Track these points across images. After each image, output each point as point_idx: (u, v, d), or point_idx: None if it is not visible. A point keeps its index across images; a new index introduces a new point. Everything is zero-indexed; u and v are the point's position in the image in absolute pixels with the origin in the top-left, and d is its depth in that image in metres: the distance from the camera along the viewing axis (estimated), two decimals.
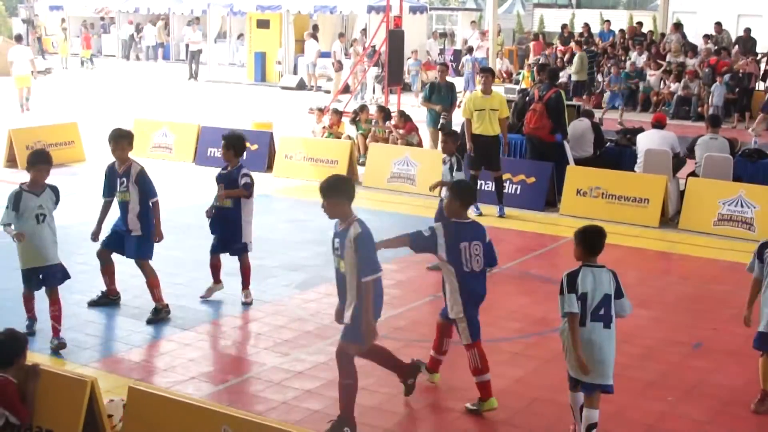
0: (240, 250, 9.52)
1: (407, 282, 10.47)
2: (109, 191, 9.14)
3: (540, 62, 24.62)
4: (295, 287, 10.08)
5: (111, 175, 9.11)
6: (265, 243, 11.69)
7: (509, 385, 7.60)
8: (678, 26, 29.16)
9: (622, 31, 30.57)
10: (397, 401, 7.23)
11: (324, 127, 18.02)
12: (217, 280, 9.65)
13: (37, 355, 7.62)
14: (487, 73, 13.75)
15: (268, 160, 16.75)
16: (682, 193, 13.70)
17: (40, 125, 17.95)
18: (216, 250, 9.57)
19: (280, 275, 10.47)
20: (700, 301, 10.21)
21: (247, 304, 9.44)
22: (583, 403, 6.49)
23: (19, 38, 31.70)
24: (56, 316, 8.17)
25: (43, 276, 8.22)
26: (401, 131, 16.97)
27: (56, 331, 8.17)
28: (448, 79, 17.58)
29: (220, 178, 9.60)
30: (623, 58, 28.30)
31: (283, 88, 31.91)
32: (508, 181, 14.30)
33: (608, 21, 32.29)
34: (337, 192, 6.60)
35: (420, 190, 14.59)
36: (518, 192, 14.26)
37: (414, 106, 24.71)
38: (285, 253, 11.30)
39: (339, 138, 17.39)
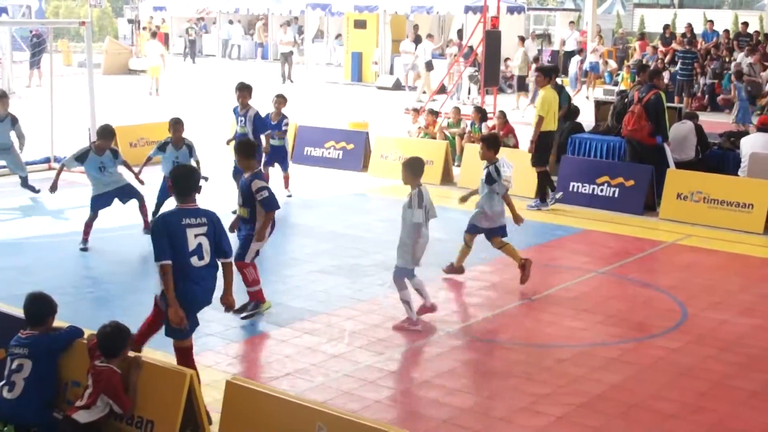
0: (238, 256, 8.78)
1: (501, 284, 10.40)
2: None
3: (641, 63, 24.13)
4: (389, 286, 10.10)
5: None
6: (361, 242, 11.78)
7: (605, 390, 7.47)
8: None
9: (726, 31, 29.77)
10: (490, 403, 7.18)
11: (420, 128, 18.03)
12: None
13: None
14: (537, 72, 14.25)
15: (363, 159, 16.85)
16: None
17: (143, 123, 18.39)
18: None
19: (375, 274, 10.51)
20: None
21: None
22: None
23: (153, 35, 33.28)
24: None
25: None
26: (501, 133, 16.81)
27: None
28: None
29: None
30: (727, 59, 27.55)
31: (379, 88, 32.04)
32: (605, 184, 14.08)
33: (711, 21, 31.51)
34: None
35: (515, 191, 14.41)
36: (616, 195, 14.01)
37: (515, 109, 24.56)
38: (380, 252, 11.34)
39: (434, 138, 17.38)
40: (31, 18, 34.11)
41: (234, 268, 7.18)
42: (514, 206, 10.30)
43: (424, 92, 28.59)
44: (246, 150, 8.96)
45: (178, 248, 6.53)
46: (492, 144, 10.38)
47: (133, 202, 11.72)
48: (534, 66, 25.20)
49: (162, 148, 11.95)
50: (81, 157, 11.23)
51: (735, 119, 22.05)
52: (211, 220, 6.75)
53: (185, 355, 6.76)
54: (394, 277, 8.84)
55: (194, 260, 6.60)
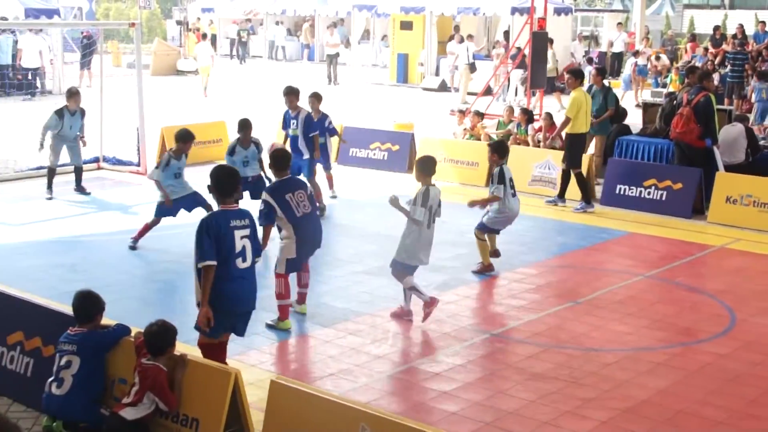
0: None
1: (547, 286, 10.35)
2: None
3: (690, 65, 23.85)
4: (434, 288, 10.09)
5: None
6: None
7: (651, 395, 7.39)
8: None
9: None
10: (535, 407, 7.14)
11: (465, 129, 17.98)
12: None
13: None
14: (569, 73, 14.60)
15: (409, 160, 16.84)
16: None
17: (190, 123, 18.52)
18: None
19: (419, 276, 10.47)
20: None
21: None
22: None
23: (204, 36, 33.98)
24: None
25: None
26: (548, 135, 16.70)
27: None
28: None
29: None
30: None
31: (425, 89, 32.03)
32: (653, 187, 13.94)
33: (763, 22, 31.00)
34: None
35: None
36: (664, 198, 13.85)
37: (560, 110, 24.39)
38: None
39: (480, 140, 17.32)
40: (82, 20, 34.65)
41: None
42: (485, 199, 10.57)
43: (456, 90, 28.63)
44: (281, 161, 8.88)
45: (225, 250, 6.58)
46: (494, 149, 10.68)
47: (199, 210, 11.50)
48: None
49: (231, 152, 12.00)
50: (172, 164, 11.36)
51: (755, 120, 21.75)
52: (252, 221, 6.83)
53: (208, 352, 6.81)
54: (391, 269, 9.06)
55: (239, 262, 6.67)
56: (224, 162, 11.38)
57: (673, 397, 7.39)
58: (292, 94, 13.33)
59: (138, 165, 16.09)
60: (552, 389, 7.48)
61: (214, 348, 6.86)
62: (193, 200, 11.51)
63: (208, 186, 6.90)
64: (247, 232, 6.71)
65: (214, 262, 6.52)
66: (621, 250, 12.00)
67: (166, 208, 11.34)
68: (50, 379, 6.46)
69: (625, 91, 27.19)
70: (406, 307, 9.03)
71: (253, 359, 7.95)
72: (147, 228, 11.36)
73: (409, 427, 5.34)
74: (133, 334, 6.58)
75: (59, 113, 14.08)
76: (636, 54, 29.32)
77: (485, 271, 10.61)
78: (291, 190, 8.64)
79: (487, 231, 10.65)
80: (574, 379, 7.69)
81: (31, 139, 18.13)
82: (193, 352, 6.98)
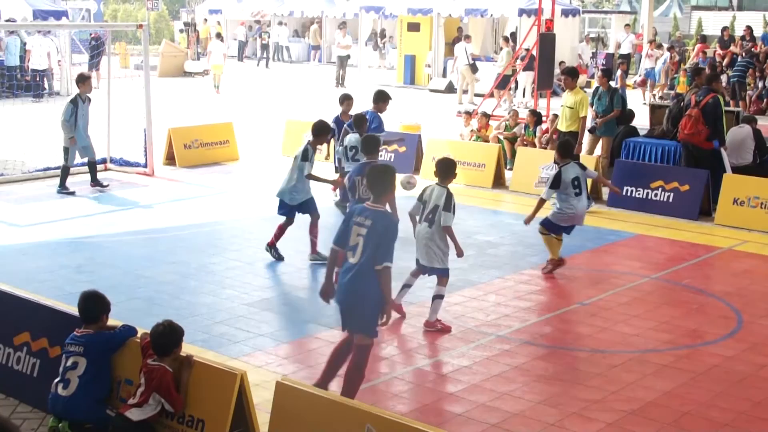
0: None
1: (553, 288, 10.34)
2: None
3: (696, 66, 23.81)
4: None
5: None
6: (411, 245, 11.74)
7: (657, 397, 7.38)
8: None
9: None
10: (541, 408, 7.13)
11: (472, 131, 17.98)
12: None
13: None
14: (564, 73, 15.12)
15: (416, 162, 16.84)
16: None
17: (197, 125, 18.60)
18: None
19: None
20: None
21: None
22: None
23: (218, 35, 34.25)
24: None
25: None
26: (554, 137, 16.70)
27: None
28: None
29: None
30: None
31: (432, 90, 32.02)
32: (660, 189, 13.91)
33: None
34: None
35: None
36: (671, 200, 13.82)
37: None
38: None
39: (487, 141, 17.32)
40: (90, 21, 34.74)
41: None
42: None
43: (464, 92, 28.63)
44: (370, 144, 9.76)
45: (345, 240, 6.83)
46: (559, 148, 10.84)
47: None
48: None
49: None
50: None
51: None
52: (374, 226, 6.72)
53: (368, 352, 6.98)
54: None
55: (349, 255, 6.80)
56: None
57: (679, 399, 7.38)
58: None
59: (145, 166, 16.12)
60: (558, 391, 7.47)
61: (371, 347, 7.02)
62: (305, 206, 10.94)
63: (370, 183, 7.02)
64: (364, 231, 6.76)
65: (337, 248, 6.88)
66: (628, 251, 11.98)
67: (285, 209, 10.86)
68: (56, 380, 6.48)
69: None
70: (397, 300, 8.98)
71: (259, 360, 7.96)
72: (281, 229, 10.92)
73: (415, 428, 5.34)
74: (139, 334, 6.59)
75: (74, 101, 14.40)
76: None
77: (556, 266, 10.49)
78: (361, 175, 9.34)
79: (550, 228, 10.51)
80: (580, 380, 7.69)
81: (38, 139, 18.23)
82: (199, 353, 6.99)
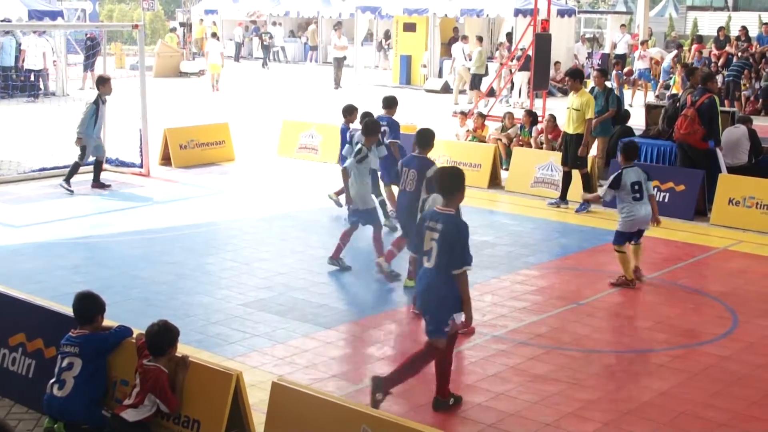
0: None
1: (549, 288, 10.34)
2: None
3: (689, 66, 23.83)
4: None
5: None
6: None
7: (653, 397, 7.38)
8: None
9: None
10: (537, 408, 7.14)
11: (468, 131, 17.98)
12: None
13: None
14: (568, 75, 14.88)
15: None
16: None
17: (193, 125, 18.58)
18: None
19: None
20: None
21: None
22: None
23: (214, 35, 34.58)
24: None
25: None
26: (550, 137, 16.72)
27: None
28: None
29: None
30: None
31: (428, 91, 32.03)
32: (655, 189, 13.90)
33: (767, 24, 30.98)
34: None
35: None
36: (666, 200, 13.83)
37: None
38: None
39: (483, 141, 17.32)
40: (86, 21, 34.72)
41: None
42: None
43: (461, 92, 28.71)
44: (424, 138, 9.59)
45: (420, 245, 6.90)
46: (623, 150, 10.85)
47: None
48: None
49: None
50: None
51: None
52: (445, 229, 6.72)
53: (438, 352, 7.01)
54: None
55: (425, 260, 6.84)
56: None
57: (675, 399, 7.38)
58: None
59: (141, 166, 16.10)
60: (554, 391, 7.47)
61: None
62: (365, 216, 10.66)
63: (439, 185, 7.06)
64: (436, 235, 6.77)
65: (413, 253, 7.01)
66: None
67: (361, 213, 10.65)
68: (52, 381, 6.47)
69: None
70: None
71: (254, 361, 7.95)
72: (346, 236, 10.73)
73: (411, 428, 5.34)
74: (134, 335, 6.58)
75: (96, 102, 14.66)
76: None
77: (623, 284, 10.24)
78: (408, 166, 9.45)
79: (622, 239, 10.27)
80: (576, 380, 7.69)
81: (34, 140, 18.21)
82: (195, 353, 6.98)
